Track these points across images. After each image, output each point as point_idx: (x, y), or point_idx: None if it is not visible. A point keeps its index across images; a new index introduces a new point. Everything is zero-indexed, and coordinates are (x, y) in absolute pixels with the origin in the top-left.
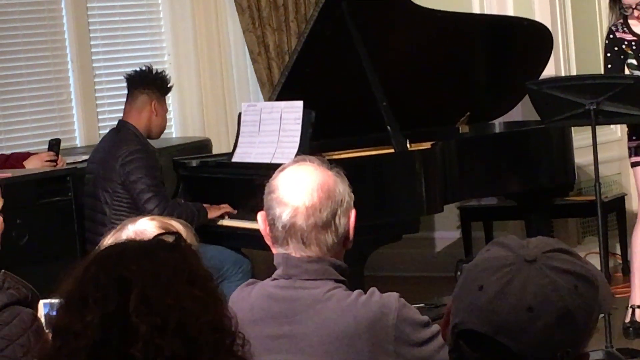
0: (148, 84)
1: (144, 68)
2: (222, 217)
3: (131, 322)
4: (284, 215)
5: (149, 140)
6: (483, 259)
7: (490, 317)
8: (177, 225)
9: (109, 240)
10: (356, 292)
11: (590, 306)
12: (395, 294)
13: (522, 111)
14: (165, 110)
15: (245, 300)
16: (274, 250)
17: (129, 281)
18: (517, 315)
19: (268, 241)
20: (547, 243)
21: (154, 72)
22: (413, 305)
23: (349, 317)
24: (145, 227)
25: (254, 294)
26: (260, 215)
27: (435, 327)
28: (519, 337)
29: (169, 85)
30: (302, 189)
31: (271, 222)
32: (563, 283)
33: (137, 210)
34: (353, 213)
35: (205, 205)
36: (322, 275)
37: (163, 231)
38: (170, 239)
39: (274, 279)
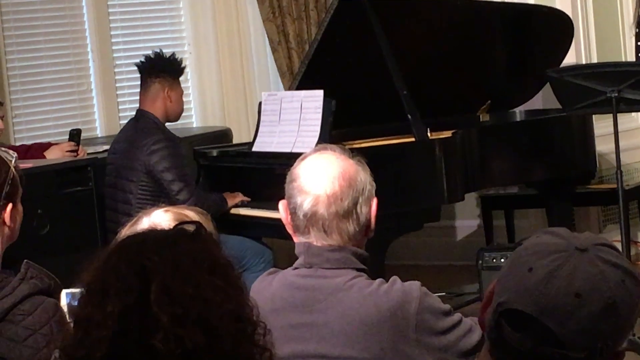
0: (159, 71)
1: (153, 55)
2: (236, 205)
3: (152, 312)
4: (306, 203)
5: (170, 127)
6: (533, 244)
7: (538, 298)
8: (192, 214)
9: (125, 232)
10: (378, 280)
11: (634, 303)
12: (416, 283)
13: (543, 99)
14: (180, 94)
15: (267, 289)
16: (295, 239)
17: (149, 271)
18: (564, 299)
19: (289, 230)
20: (596, 237)
21: (164, 57)
22: (434, 294)
23: (371, 305)
24: (160, 220)
25: (275, 283)
26: (282, 204)
27: (457, 316)
28: (563, 321)
29: (181, 67)
30: (323, 177)
31: (292, 211)
32: (612, 275)
33: (163, 199)
34: (374, 202)
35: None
36: (344, 264)
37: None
38: (190, 228)
39: (295, 268)
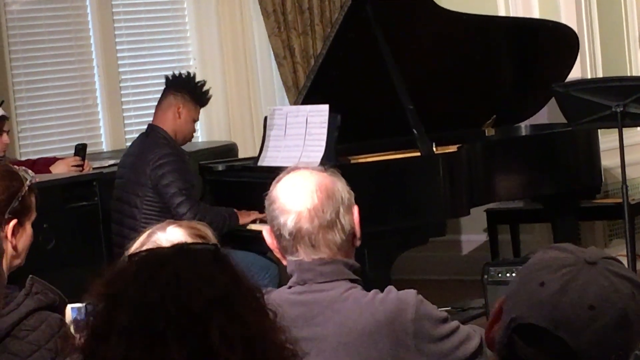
0: (178, 87)
1: (184, 73)
2: (252, 221)
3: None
4: (289, 222)
5: None
6: (541, 259)
7: (552, 312)
8: (206, 230)
9: (135, 246)
10: (373, 291)
11: None
12: (412, 291)
13: (548, 114)
14: (192, 117)
15: None
16: (285, 262)
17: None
18: (578, 312)
19: (278, 254)
20: (602, 251)
21: (192, 78)
22: (440, 309)
23: (368, 315)
24: (176, 237)
25: (270, 301)
26: (265, 230)
27: (454, 323)
28: (579, 334)
29: (205, 95)
30: (301, 194)
31: (277, 233)
32: (623, 287)
33: (169, 215)
34: (356, 209)
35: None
36: (337, 276)
37: (198, 240)
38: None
39: (290, 287)
